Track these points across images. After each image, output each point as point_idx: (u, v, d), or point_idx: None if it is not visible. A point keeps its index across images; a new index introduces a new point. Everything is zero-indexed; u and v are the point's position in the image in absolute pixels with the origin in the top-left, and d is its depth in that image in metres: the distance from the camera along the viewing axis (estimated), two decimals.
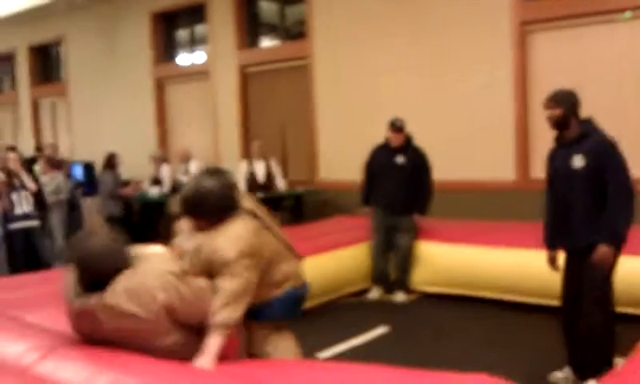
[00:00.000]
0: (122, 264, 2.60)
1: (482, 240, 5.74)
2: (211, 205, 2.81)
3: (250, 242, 2.78)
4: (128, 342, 2.60)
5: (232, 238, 2.74)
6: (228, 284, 2.67)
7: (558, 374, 3.91)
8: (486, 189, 7.14)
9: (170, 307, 2.57)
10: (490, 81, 7.10)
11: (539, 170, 6.88)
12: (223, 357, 2.61)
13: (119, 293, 2.52)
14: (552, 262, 3.97)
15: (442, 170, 7.12)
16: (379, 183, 6.01)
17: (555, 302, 5.00)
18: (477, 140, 7.22)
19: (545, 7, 6.82)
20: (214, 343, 2.59)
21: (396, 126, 5.88)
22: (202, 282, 2.69)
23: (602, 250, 3.58)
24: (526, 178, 6.97)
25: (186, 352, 2.61)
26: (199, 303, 2.65)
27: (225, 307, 2.63)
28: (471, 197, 7.19)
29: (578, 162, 3.66)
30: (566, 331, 3.87)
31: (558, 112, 3.71)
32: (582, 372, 3.75)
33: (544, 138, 6.80)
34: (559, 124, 3.75)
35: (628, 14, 6.20)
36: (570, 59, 6.72)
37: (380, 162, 6.04)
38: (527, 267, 5.27)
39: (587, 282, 3.67)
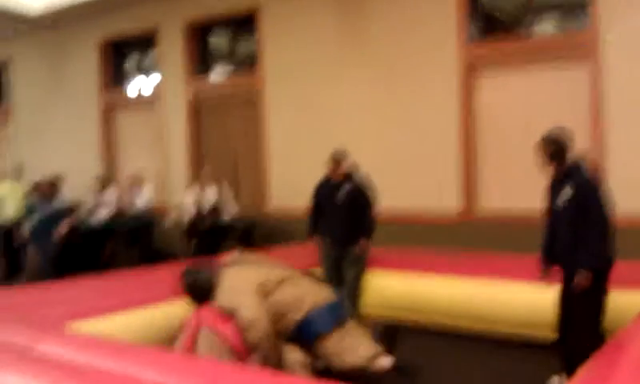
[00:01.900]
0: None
1: (428, 268, 5.81)
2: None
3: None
4: None
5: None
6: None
7: (555, 380, 4.09)
8: (431, 219, 7.26)
9: None
10: (437, 122, 7.27)
11: (484, 201, 7.10)
12: None
13: None
14: (544, 274, 4.24)
15: (391, 200, 7.22)
16: (324, 215, 5.97)
17: (503, 329, 5.19)
18: (424, 171, 7.37)
19: (489, 50, 7.07)
20: None
21: (334, 159, 5.84)
22: None
23: (579, 275, 3.87)
24: (471, 208, 7.13)
25: None
26: None
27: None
28: (417, 226, 7.30)
29: (561, 199, 4.01)
30: (559, 340, 4.09)
31: (546, 152, 4.11)
32: None
33: (488, 182, 7.10)
34: (548, 162, 4.11)
35: None
36: (515, 101, 6.98)
37: (324, 194, 5.99)
38: (475, 296, 5.39)
39: (576, 311, 3.94)
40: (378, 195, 5.97)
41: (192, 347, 3.58)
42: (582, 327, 3.90)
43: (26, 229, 7.84)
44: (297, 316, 3.90)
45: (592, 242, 3.87)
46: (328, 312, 4.01)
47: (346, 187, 5.81)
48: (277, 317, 3.81)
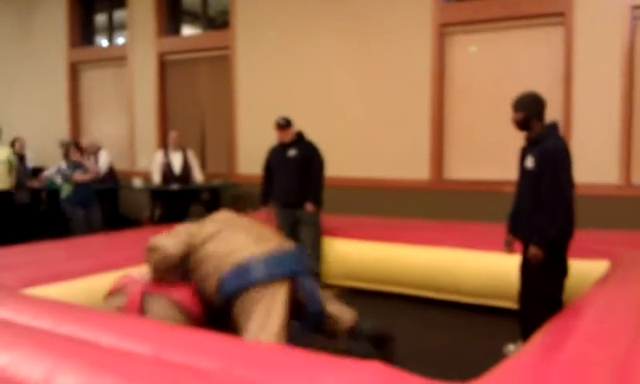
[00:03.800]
0: None
1: (393, 237, 5.79)
2: None
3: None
4: None
5: None
6: None
7: (511, 347, 4.11)
8: (402, 187, 7.25)
9: None
10: (409, 80, 7.21)
11: (453, 170, 7.11)
12: None
13: None
14: (507, 245, 4.21)
15: (360, 168, 7.19)
16: (275, 180, 6.11)
17: (464, 299, 5.25)
18: (394, 139, 7.32)
19: (463, 10, 6.98)
20: None
21: (280, 125, 6.01)
22: None
23: (532, 251, 3.82)
24: (439, 178, 7.12)
25: None
26: None
27: None
28: (387, 195, 7.29)
29: (529, 163, 3.90)
30: (520, 309, 4.07)
31: (518, 116, 3.95)
32: None
33: (458, 140, 7.09)
34: (520, 126, 3.98)
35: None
36: (487, 62, 6.93)
37: (275, 158, 6.15)
38: (439, 264, 5.41)
39: (533, 283, 3.90)
40: (325, 162, 6.04)
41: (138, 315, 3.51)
42: (538, 298, 3.86)
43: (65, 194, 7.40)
44: (224, 267, 3.41)
45: (544, 216, 3.76)
46: (268, 263, 3.39)
47: (297, 145, 6.02)
48: (201, 266, 3.53)
